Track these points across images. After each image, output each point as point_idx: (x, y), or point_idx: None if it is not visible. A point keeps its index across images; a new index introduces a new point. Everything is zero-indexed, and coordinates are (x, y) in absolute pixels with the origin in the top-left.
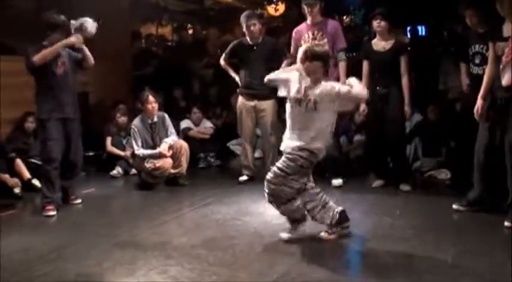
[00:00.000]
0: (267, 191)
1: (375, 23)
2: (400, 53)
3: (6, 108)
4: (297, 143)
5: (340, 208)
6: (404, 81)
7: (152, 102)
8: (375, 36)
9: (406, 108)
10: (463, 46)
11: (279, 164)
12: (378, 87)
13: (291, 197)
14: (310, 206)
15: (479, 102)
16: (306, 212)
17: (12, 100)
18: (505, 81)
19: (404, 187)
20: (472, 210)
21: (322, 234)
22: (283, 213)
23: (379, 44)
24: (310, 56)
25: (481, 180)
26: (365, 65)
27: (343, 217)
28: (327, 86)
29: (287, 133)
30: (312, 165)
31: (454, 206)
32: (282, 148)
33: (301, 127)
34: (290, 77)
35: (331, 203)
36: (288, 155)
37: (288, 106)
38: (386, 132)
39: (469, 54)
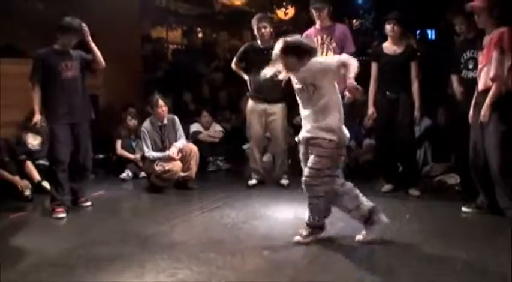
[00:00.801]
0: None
1: (389, 27)
2: (411, 58)
3: (13, 109)
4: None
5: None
6: (415, 86)
7: (162, 106)
8: (385, 40)
9: (416, 113)
10: (454, 57)
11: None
12: (387, 92)
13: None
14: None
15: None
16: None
17: (20, 102)
18: (479, 86)
19: (414, 192)
20: (481, 212)
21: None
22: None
23: (390, 48)
24: (283, 51)
25: (479, 183)
26: (374, 67)
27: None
28: (314, 64)
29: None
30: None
31: (464, 209)
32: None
33: (310, 110)
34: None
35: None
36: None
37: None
38: (396, 137)
39: (460, 63)
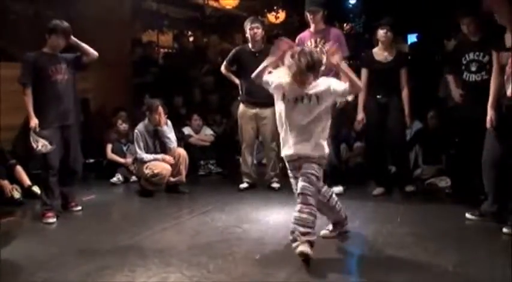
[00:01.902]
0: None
1: (381, 33)
2: (401, 65)
3: (7, 114)
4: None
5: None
6: (405, 92)
7: (160, 114)
8: (376, 44)
9: (407, 119)
10: (452, 57)
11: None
12: (378, 97)
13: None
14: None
15: (490, 112)
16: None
17: (14, 106)
18: (509, 92)
19: (410, 188)
20: (485, 220)
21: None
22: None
23: (381, 55)
24: (310, 66)
25: (494, 190)
26: (364, 73)
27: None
28: (323, 83)
29: (289, 139)
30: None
31: (468, 215)
32: (286, 154)
33: (300, 129)
34: (282, 81)
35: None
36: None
37: (282, 109)
38: (387, 139)
39: (460, 65)
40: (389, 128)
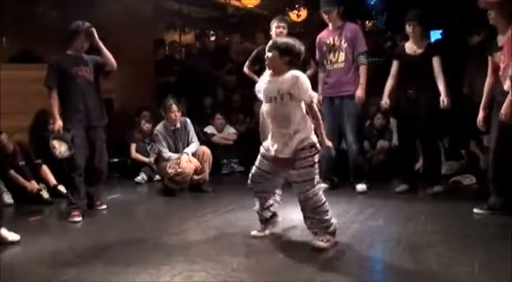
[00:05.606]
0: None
1: (409, 29)
2: (431, 55)
3: (30, 115)
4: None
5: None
6: (440, 80)
7: (175, 111)
8: (407, 39)
9: (443, 99)
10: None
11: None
12: (409, 91)
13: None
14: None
15: (481, 113)
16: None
17: (36, 107)
18: (506, 86)
19: (437, 188)
20: (493, 213)
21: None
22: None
23: (411, 48)
24: (270, 46)
25: (498, 183)
26: (394, 64)
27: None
28: (290, 75)
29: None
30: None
31: (475, 210)
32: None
33: (280, 125)
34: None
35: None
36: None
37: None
38: (418, 137)
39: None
40: (421, 124)
